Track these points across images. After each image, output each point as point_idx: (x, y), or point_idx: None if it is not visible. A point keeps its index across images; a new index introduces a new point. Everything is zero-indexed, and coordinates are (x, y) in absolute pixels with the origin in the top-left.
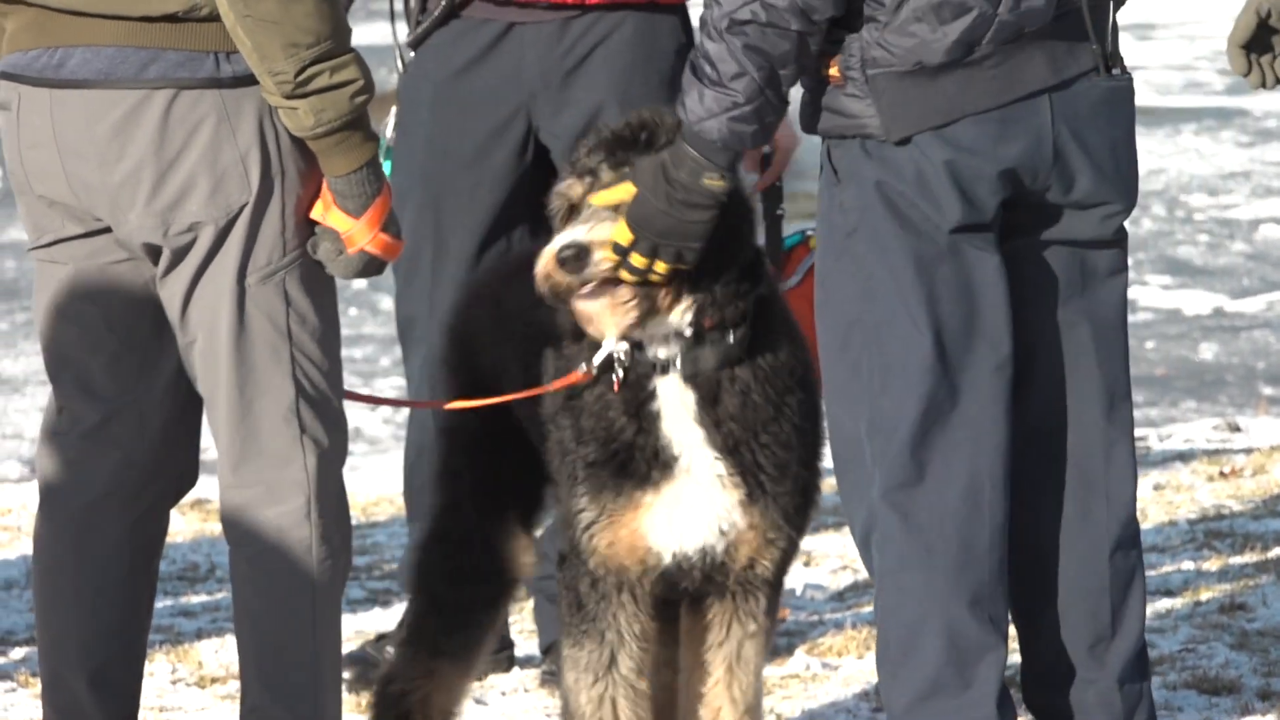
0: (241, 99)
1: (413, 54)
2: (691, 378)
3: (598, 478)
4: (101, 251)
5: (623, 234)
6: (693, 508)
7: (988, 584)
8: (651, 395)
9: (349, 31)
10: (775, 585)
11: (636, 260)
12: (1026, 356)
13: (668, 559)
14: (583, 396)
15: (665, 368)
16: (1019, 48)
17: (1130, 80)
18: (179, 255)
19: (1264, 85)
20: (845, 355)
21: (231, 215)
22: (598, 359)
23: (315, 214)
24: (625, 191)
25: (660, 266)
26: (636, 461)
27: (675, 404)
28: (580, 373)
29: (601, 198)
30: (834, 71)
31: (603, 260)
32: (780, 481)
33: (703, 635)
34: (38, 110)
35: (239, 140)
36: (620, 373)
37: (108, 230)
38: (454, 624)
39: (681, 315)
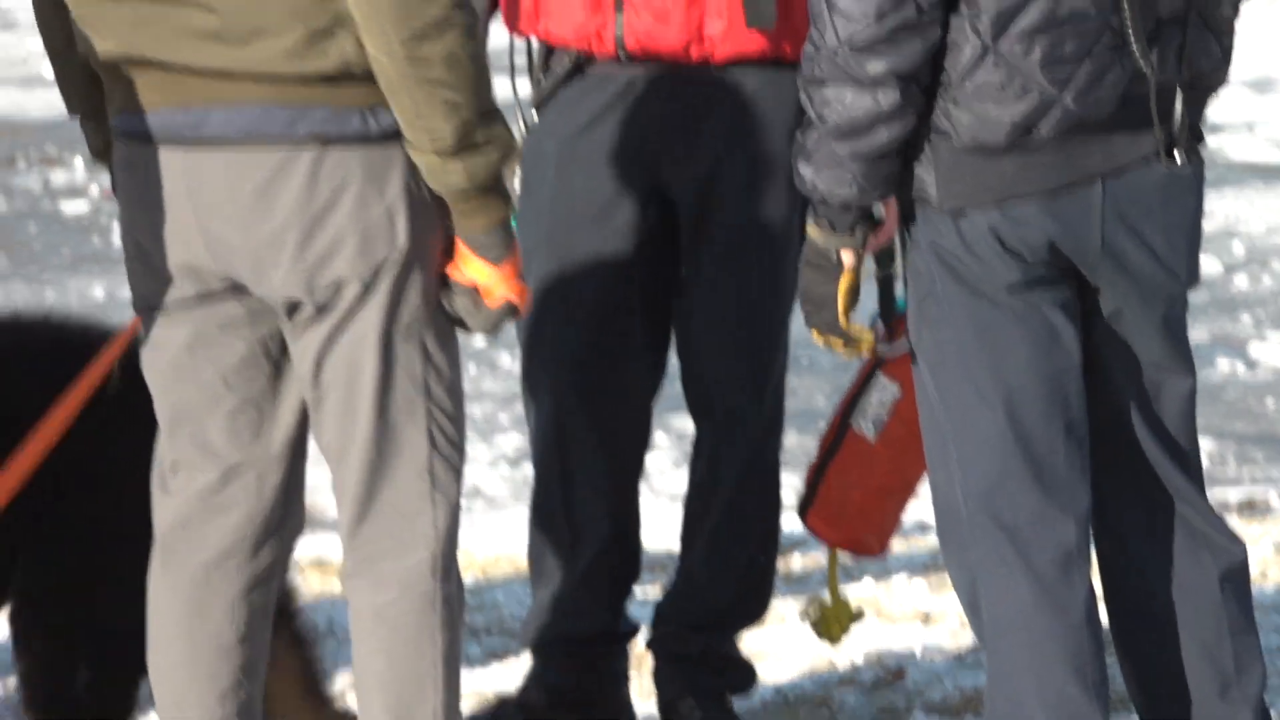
0: (388, 155)
1: (534, 111)
2: None
3: None
4: (219, 312)
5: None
6: None
7: (1088, 649)
8: None
9: (494, 93)
10: None
11: (816, 339)
12: (1113, 426)
13: None
14: None
15: None
16: (1077, 135)
17: (1196, 168)
18: (320, 310)
19: None
20: (934, 422)
21: (377, 271)
22: None
23: (451, 270)
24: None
25: (856, 330)
26: None
27: None
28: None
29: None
30: None
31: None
32: None
33: None
34: (169, 171)
35: (386, 196)
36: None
37: (228, 290)
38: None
39: None
